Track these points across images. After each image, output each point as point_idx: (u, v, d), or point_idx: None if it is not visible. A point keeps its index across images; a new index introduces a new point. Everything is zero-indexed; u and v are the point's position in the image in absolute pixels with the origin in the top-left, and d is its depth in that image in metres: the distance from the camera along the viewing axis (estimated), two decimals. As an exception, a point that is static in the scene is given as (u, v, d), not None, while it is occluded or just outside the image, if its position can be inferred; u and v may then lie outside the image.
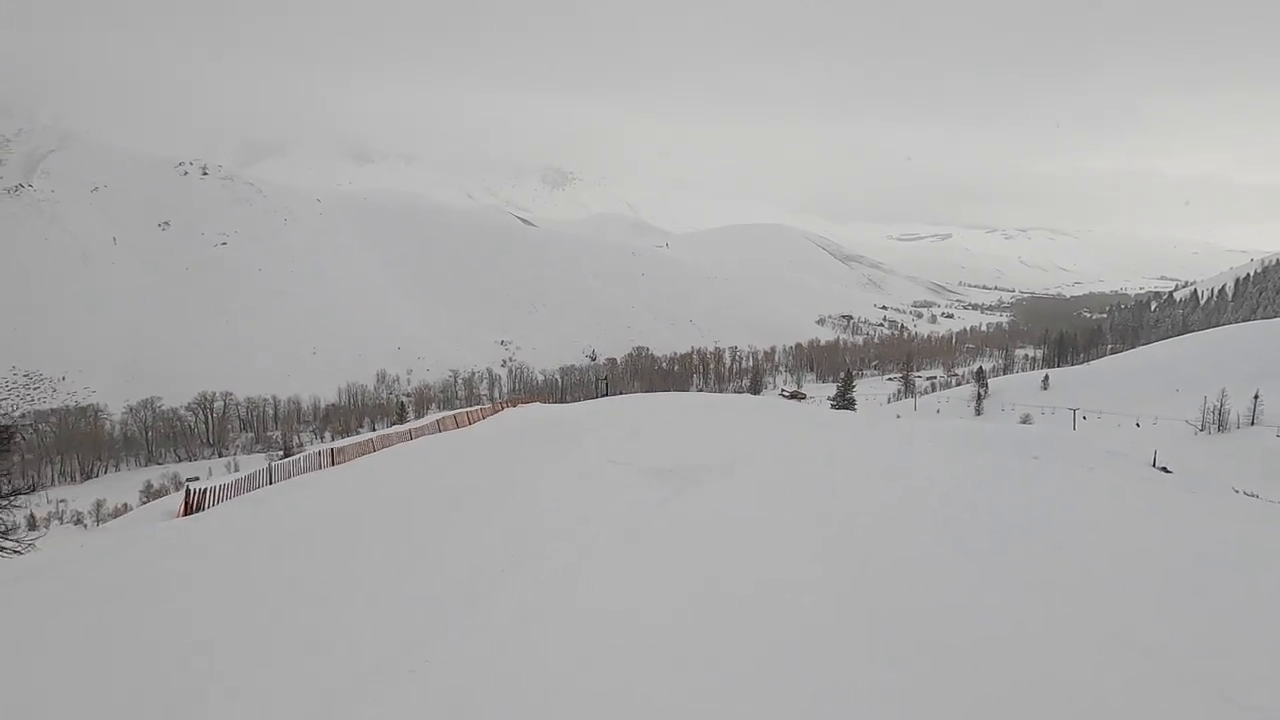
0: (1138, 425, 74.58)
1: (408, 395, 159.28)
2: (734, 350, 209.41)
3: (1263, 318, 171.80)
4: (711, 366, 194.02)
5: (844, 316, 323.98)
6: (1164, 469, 32.82)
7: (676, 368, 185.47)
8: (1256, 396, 70.99)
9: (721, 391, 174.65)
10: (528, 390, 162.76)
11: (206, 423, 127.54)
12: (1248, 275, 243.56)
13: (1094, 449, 35.92)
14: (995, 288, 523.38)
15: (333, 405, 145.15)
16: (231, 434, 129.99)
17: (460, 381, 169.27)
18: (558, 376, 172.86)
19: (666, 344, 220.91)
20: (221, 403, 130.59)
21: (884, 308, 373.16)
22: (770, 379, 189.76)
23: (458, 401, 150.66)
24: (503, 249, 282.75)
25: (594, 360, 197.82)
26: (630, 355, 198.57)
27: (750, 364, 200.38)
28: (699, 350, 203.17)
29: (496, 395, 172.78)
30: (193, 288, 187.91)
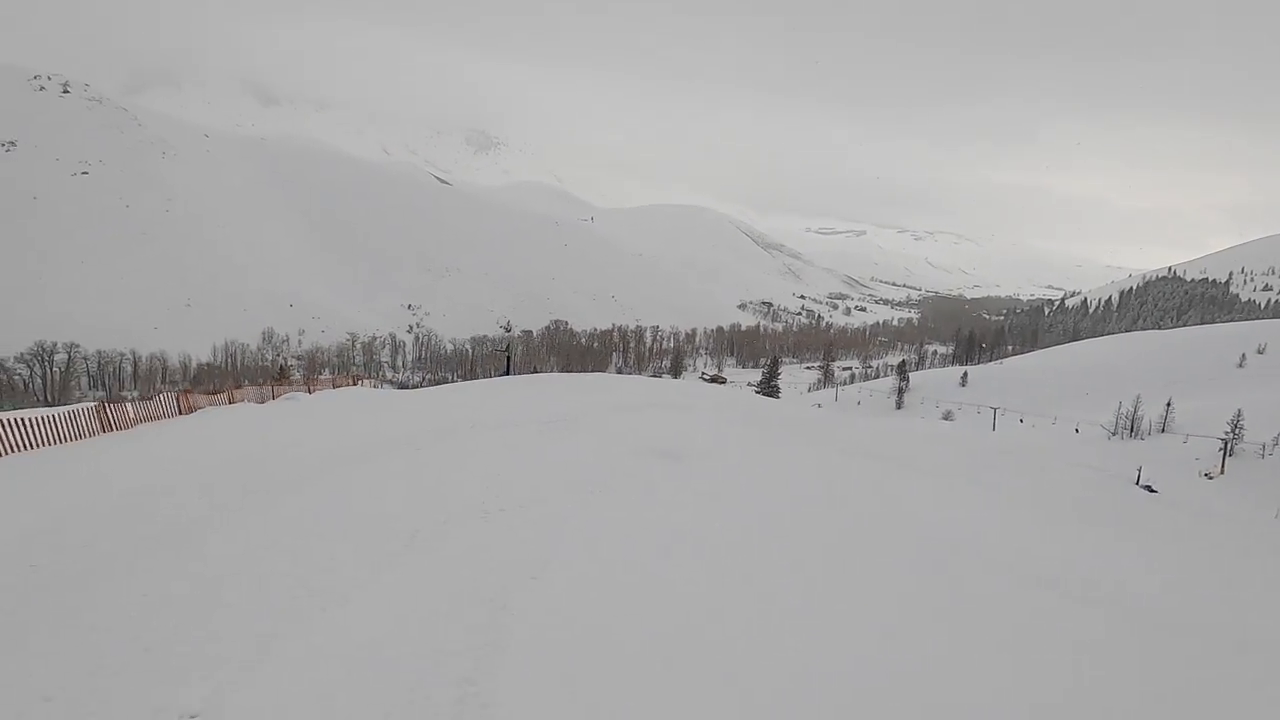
0: (1077, 430, 74.47)
1: (298, 358, 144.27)
2: (655, 330, 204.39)
3: (1141, 328, 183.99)
4: (632, 345, 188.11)
5: (765, 303, 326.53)
6: (1149, 488, 29.15)
7: (596, 344, 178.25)
8: (1169, 404, 71.81)
9: (640, 371, 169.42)
10: (434, 361, 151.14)
11: (45, 377, 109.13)
12: (1130, 289, 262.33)
13: (1057, 459, 32.11)
14: (904, 285, 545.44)
15: (206, 365, 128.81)
16: (77, 392, 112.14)
17: (358, 347, 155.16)
18: (468, 346, 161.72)
19: (587, 319, 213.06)
20: (66, 355, 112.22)
21: (802, 297, 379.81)
22: (691, 361, 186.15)
23: (354, 368, 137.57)
24: (417, 209, 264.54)
25: (508, 331, 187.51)
26: (548, 329, 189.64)
27: (671, 345, 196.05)
28: (620, 328, 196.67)
29: (400, 363, 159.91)
30: (39, 219, 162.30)
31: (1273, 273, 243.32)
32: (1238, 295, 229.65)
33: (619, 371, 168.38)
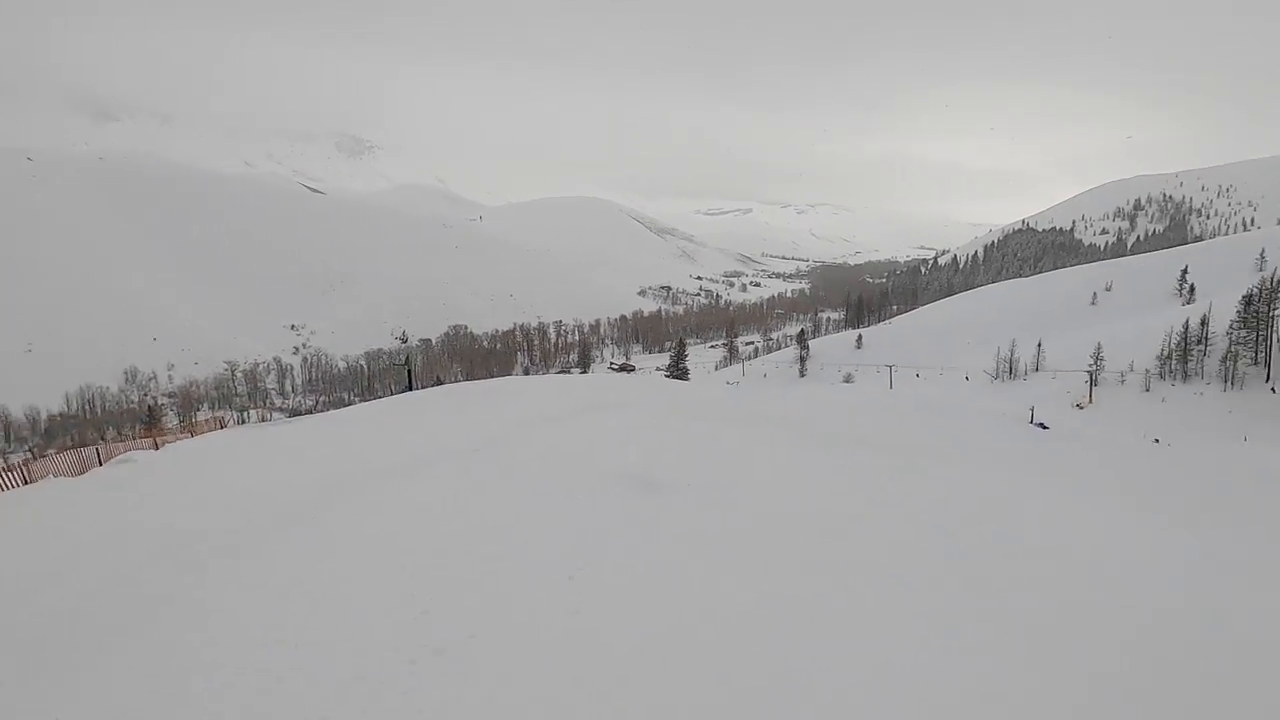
0: (967, 379, 79.20)
1: (170, 396, 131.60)
2: (559, 325, 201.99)
3: (1005, 278, 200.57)
4: (537, 343, 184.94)
5: (663, 287, 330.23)
6: (1041, 425, 31.22)
7: (499, 346, 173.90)
8: (1040, 345, 78.21)
9: (548, 368, 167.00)
10: (327, 382, 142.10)
11: None
12: (992, 243, 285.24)
13: (973, 408, 33.95)
14: (793, 258, 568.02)
15: (59, 416, 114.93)
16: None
17: (239, 376, 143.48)
18: (363, 363, 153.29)
19: (487, 321, 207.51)
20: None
21: (699, 278, 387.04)
22: (598, 352, 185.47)
23: (236, 399, 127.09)
24: (290, 221, 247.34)
25: (405, 342, 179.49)
26: (447, 335, 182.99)
27: (577, 338, 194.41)
28: (522, 326, 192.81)
29: (289, 388, 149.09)
30: None
31: (1107, 217, 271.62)
32: (1081, 240, 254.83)
33: (526, 371, 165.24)
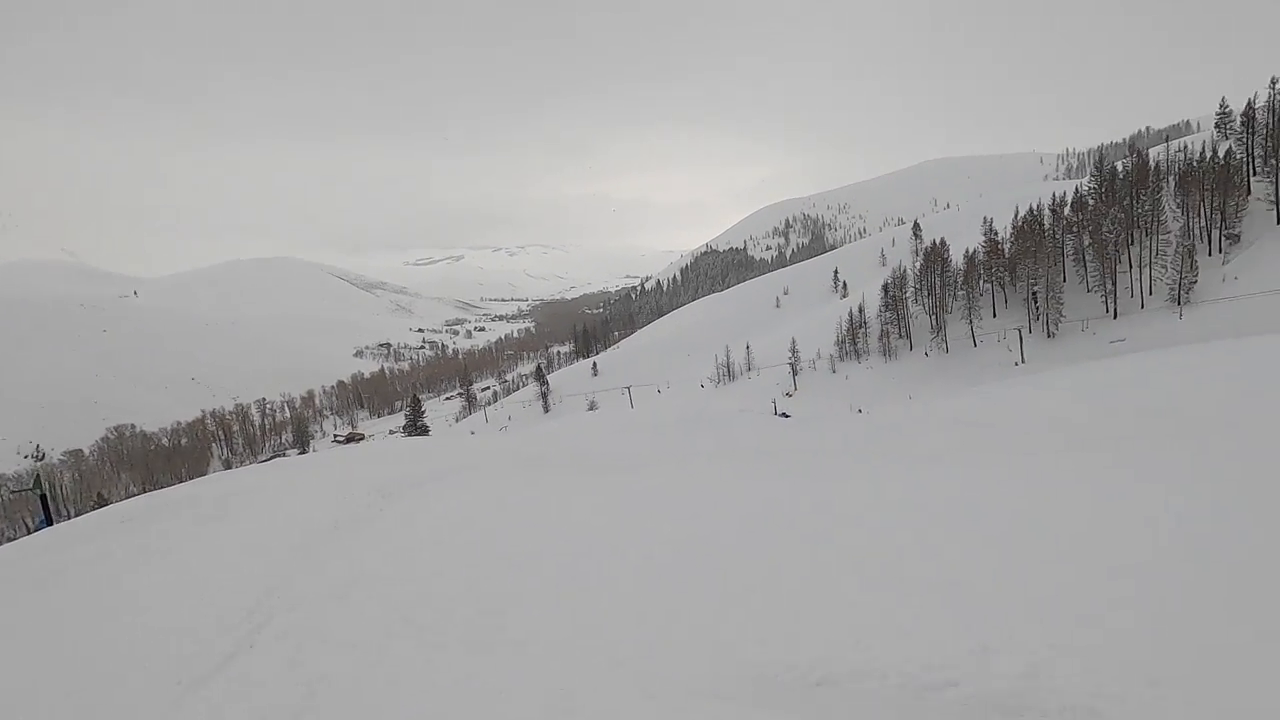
0: (702, 386, 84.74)
1: None
2: (263, 403, 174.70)
3: (703, 295, 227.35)
4: (237, 429, 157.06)
5: (383, 345, 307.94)
6: (784, 414, 34.05)
7: (184, 442, 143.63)
8: (748, 348, 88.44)
9: (255, 456, 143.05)
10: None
11: None
12: (686, 265, 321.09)
13: (729, 413, 35.81)
14: (512, 299, 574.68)
15: None
16: None
17: None
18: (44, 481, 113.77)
19: (164, 414, 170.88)
20: None
21: (420, 330, 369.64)
22: (317, 426, 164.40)
23: None
24: None
25: (41, 459, 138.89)
26: (107, 440, 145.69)
27: (289, 415, 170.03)
28: (214, 413, 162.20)
29: None
30: None
31: (768, 235, 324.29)
32: (753, 256, 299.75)
33: (227, 465, 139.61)
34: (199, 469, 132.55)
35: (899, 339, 71.91)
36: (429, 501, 10.80)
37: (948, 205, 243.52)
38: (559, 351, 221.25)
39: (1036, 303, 61.66)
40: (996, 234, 71.65)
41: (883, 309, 74.18)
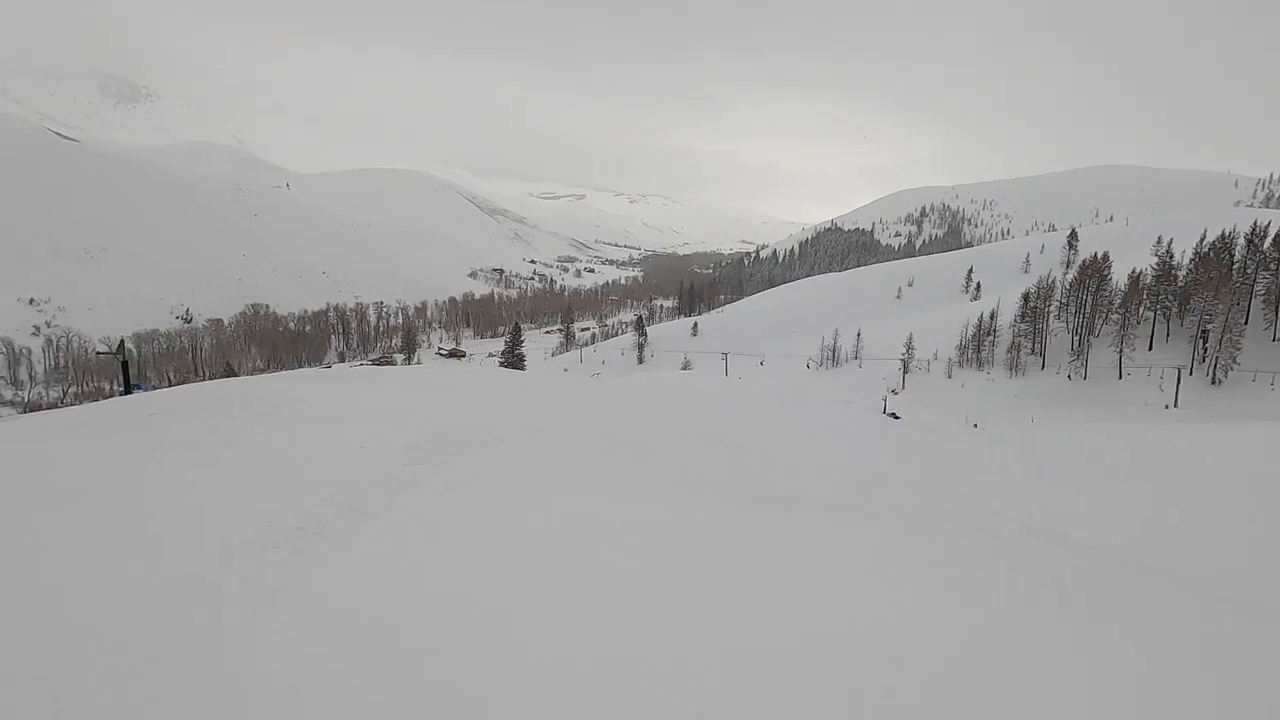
0: (808, 366, 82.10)
1: None
2: (380, 306, 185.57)
3: (819, 272, 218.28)
4: (354, 325, 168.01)
5: (496, 270, 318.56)
6: (894, 415, 31.47)
7: (309, 329, 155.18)
8: (859, 335, 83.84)
9: (366, 353, 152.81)
10: (79, 369, 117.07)
11: None
12: (806, 240, 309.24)
13: (827, 397, 33.59)
14: (625, 245, 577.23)
15: None
16: None
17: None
18: (132, 347, 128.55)
19: (295, 300, 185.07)
20: None
21: (533, 262, 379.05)
22: (425, 337, 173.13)
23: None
24: (30, 174, 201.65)
25: (188, 322, 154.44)
26: (244, 315, 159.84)
27: (400, 321, 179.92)
28: (337, 307, 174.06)
29: (28, 376, 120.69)
30: None
31: (899, 221, 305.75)
32: (879, 241, 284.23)
33: (341, 358, 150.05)
34: (317, 356, 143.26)
35: (1031, 354, 65.55)
36: (442, 502, 6.78)
37: (1110, 218, 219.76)
38: (662, 305, 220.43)
39: (1205, 342, 54.03)
40: (1173, 256, 63.04)
41: (1018, 319, 67.63)
